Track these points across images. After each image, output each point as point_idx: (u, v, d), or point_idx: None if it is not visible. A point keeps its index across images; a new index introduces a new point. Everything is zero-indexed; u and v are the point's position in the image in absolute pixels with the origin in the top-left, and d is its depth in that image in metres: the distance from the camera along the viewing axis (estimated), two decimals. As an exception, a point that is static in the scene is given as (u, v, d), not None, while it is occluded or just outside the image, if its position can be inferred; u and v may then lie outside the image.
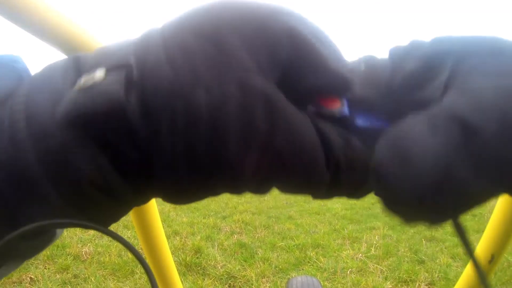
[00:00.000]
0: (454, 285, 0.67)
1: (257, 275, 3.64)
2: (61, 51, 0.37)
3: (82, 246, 3.95)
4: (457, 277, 0.60)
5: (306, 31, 0.22)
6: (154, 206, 0.55)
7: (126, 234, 4.58)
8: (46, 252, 3.69)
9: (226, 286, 3.40)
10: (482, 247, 0.58)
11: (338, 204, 10.05)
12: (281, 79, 0.22)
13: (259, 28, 0.21)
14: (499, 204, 0.53)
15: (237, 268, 3.75)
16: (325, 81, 0.23)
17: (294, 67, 0.22)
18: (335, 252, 4.64)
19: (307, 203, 10.19)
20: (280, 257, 4.32)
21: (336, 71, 0.23)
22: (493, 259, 0.56)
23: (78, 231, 4.67)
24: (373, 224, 6.76)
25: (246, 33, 0.21)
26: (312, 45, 0.22)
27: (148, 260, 0.60)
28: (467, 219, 7.66)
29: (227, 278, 3.54)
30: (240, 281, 3.49)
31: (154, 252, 0.59)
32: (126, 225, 4.80)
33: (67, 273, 3.35)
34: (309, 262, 4.20)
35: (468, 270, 0.62)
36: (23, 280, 3.16)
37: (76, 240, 4.20)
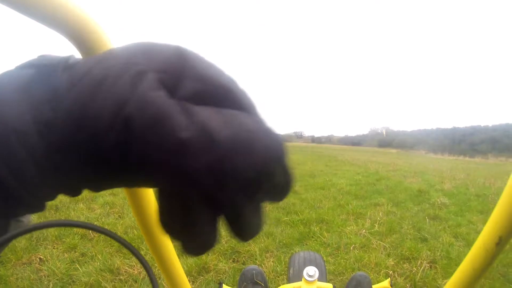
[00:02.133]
0: (456, 264, 0.67)
1: (261, 250, 3.69)
2: (63, 35, 0.38)
3: (89, 224, 4.00)
4: (459, 256, 0.59)
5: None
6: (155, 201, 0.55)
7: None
8: (54, 232, 3.75)
9: (230, 261, 3.44)
10: (489, 229, 0.57)
11: (343, 180, 10.10)
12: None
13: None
14: (508, 186, 0.52)
15: (241, 243, 3.79)
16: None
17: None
18: (339, 227, 4.68)
19: (312, 178, 10.25)
20: (284, 232, 4.37)
21: None
22: (500, 241, 0.55)
23: (85, 211, 4.74)
24: (377, 200, 6.82)
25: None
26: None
27: (152, 254, 0.61)
28: (471, 199, 7.70)
29: (231, 253, 3.59)
30: (244, 256, 3.54)
31: (158, 248, 0.60)
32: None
33: (75, 251, 3.41)
34: (313, 237, 4.25)
35: (474, 252, 0.61)
36: (33, 260, 3.22)
37: (83, 219, 4.26)
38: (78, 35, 0.38)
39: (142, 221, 0.55)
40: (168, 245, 0.62)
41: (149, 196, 0.53)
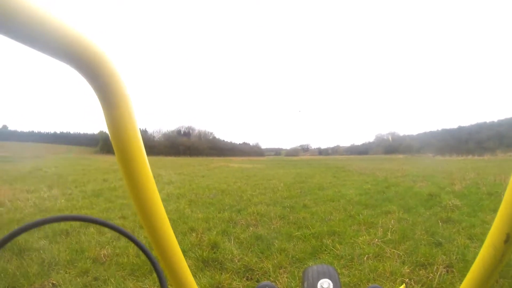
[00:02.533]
0: None
1: (274, 266, 3.66)
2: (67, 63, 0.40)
3: (100, 249, 4.01)
4: (475, 258, 0.58)
5: None
6: (161, 207, 0.56)
7: (143, 234, 4.64)
8: (66, 256, 3.76)
9: (244, 279, 3.42)
10: (496, 227, 0.56)
11: (352, 190, 10.07)
12: None
13: None
14: None
15: (254, 261, 3.77)
16: None
17: None
18: (351, 238, 4.64)
19: (321, 191, 10.21)
20: (296, 247, 4.34)
21: None
22: (508, 238, 0.54)
23: (95, 235, 4.74)
24: (388, 208, 6.75)
25: None
26: None
27: (159, 258, 0.61)
28: (483, 199, 7.63)
29: (244, 271, 3.56)
30: (258, 273, 3.51)
31: (165, 250, 0.60)
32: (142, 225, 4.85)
33: (87, 276, 3.41)
34: (325, 250, 4.21)
35: (484, 251, 0.61)
36: (45, 286, 3.22)
37: (94, 243, 4.26)
38: (84, 66, 0.40)
39: (147, 222, 0.56)
40: (174, 245, 0.62)
41: (155, 196, 0.54)
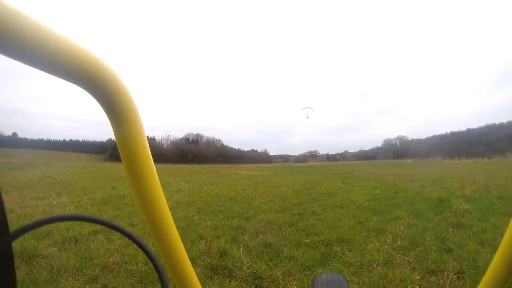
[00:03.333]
0: (484, 272, 0.65)
1: (284, 273, 3.64)
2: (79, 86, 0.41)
3: (109, 257, 4.02)
4: (486, 264, 0.57)
5: None
6: (169, 217, 0.56)
7: (151, 242, 4.64)
8: (74, 264, 3.77)
9: (253, 287, 3.40)
10: (508, 239, 0.54)
11: (361, 196, 10.03)
12: None
13: None
14: None
15: (263, 268, 3.76)
16: None
17: None
18: (360, 245, 4.61)
19: (330, 197, 10.17)
20: (305, 254, 4.31)
21: None
22: None
23: (104, 242, 4.76)
24: (398, 213, 6.71)
25: None
26: None
27: (166, 266, 0.61)
28: (494, 202, 7.55)
29: (253, 279, 3.55)
30: (267, 281, 3.50)
31: (172, 258, 0.60)
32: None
33: (96, 283, 3.41)
34: (335, 257, 4.18)
35: (495, 263, 0.60)
36: (54, 293, 3.23)
37: (103, 251, 4.28)
38: (93, 86, 0.41)
39: (154, 232, 0.56)
40: (182, 254, 0.62)
41: (163, 208, 0.55)
